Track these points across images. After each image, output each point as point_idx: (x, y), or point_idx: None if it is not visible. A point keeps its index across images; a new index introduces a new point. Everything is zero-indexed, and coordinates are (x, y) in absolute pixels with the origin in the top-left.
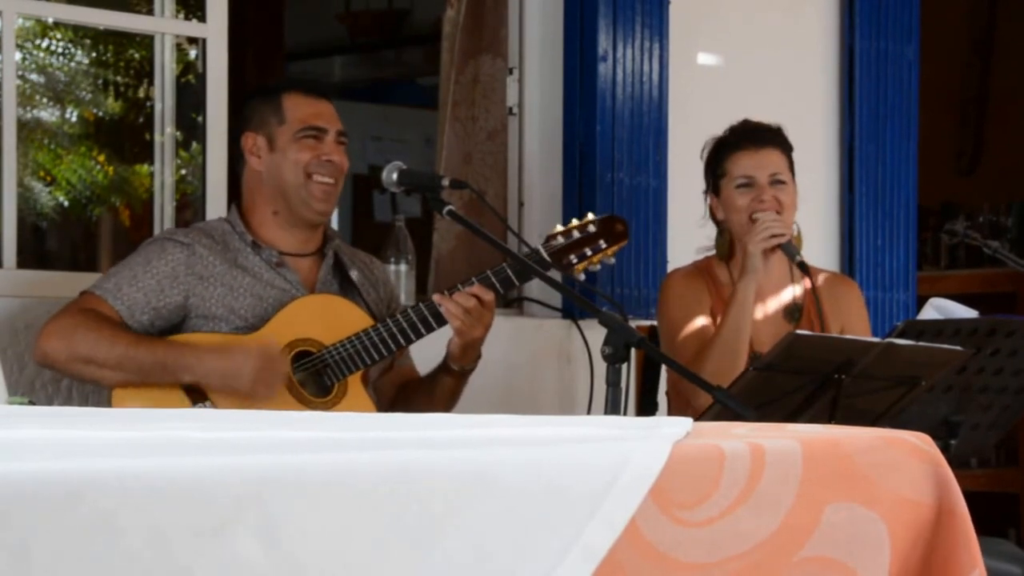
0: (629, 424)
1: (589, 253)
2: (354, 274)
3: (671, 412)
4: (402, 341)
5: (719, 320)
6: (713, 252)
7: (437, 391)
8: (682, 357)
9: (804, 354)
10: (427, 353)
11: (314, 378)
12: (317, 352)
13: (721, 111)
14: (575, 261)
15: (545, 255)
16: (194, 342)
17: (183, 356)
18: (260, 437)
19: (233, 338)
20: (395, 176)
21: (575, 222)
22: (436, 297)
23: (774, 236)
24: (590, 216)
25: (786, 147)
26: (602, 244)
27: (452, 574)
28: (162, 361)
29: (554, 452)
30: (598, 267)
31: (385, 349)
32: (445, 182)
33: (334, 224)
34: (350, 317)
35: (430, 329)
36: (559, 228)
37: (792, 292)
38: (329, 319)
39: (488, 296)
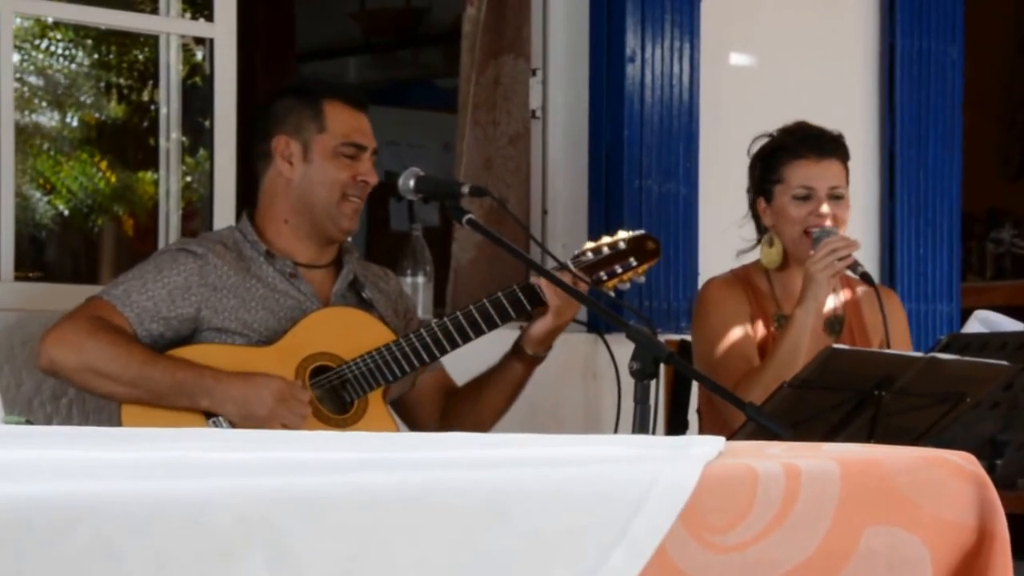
0: (658, 443)
1: (619, 271)
2: (366, 292)
3: (704, 429)
4: (425, 357)
5: (772, 346)
6: (750, 252)
7: (508, 381)
8: (725, 376)
9: (842, 370)
10: (464, 364)
11: (332, 394)
12: (336, 367)
13: (755, 114)
14: (604, 278)
15: (574, 271)
16: (213, 363)
17: (202, 379)
18: (268, 458)
19: (254, 353)
20: (412, 183)
21: (605, 239)
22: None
23: (842, 260)
24: (621, 233)
25: (846, 157)
26: (632, 262)
27: None
28: (180, 383)
29: (579, 473)
30: (627, 286)
31: (408, 365)
32: (465, 189)
33: None
34: (370, 331)
35: (454, 345)
36: (588, 244)
37: (833, 303)
38: (348, 333)
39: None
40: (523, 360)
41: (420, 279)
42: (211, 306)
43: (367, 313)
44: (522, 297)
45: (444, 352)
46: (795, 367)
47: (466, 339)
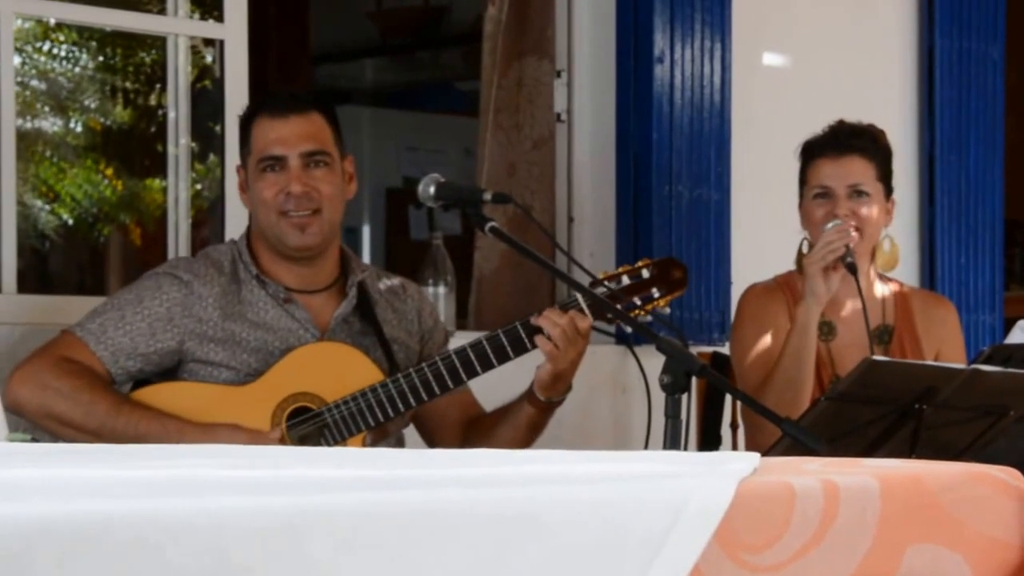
0: (691, 460)
1: (639, 303)
2: (378, 311)
3: (746, 440)
4: (412, 401)
5: (780, 351)
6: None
7: (521, 421)
8: (748, 384)
9: (881, 382)
10: (494, 391)
11: (312, 438)
12: (316, 409)
13: (788, 117)
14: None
15: (583, 304)
16: (188, 406)
17: (166, 434)
18: (289, 475)
19: (231, 393)
20: (432, 190)
21: (626, 266)
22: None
23: (831, 252)
24: (645, 260)
25: (876, 153)
26: (655, 293)
27: None
28: (143, 437)
29: (609, 491)
30: (648, 319)
31: (392, 409)
32: (487, 196)
33: (365, 242)
34: (358, 370)
35: (444, 388)
36: (606, 272)
37: (882, 311)
38: (334, 372)
39: (583, 323)
40: (535, 404)
41: (441, 290)
42: (196, 337)
43: (357, 350)
44: (522, 334)
45: (433, 395)
46: (802, 370)
47: (458, 381)
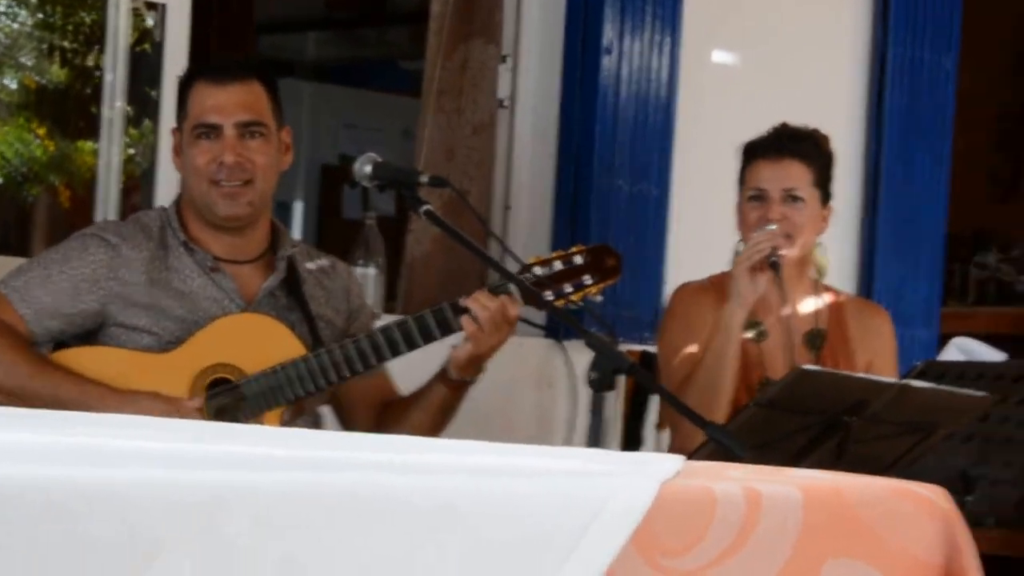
0: (613, 459)
1: (569, 290)
2: (306, 288)
3: (671, 442)
4: (333, 376)
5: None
6: None
7: (433, 403)
8: (671, 383)
9: (811, 392)
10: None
11: (229, 410)
12: (235, 381)
13: (735, 115)
14: (551, 298)
15: (514, 290)
16: (106, 371)
17: (85, 399)
18: (210, 452)
19: (150, 360)
20: (368, 169)
21: (559, 252)
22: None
23: (758, 252)
24: (579, 246)
25: (816, 158)
26: (587, 280)
27: None
28: (62, 400)
29: (528, 486)
30: (579, 305)
31: (313, 384)
32: (424, 179)
33: (296, 218)
34: (281, 344)
35: (368, 365)
36: (538, 257)
37: (815, 316)
38: (256, 344)
39: (513, 311)
40: (448, 383)
41: (371, 271)
42: (119, 300)
43: (281, 324)
44: (449, 316)
45: (355, 372)
46: (723, 370)
47: (381, 359)
